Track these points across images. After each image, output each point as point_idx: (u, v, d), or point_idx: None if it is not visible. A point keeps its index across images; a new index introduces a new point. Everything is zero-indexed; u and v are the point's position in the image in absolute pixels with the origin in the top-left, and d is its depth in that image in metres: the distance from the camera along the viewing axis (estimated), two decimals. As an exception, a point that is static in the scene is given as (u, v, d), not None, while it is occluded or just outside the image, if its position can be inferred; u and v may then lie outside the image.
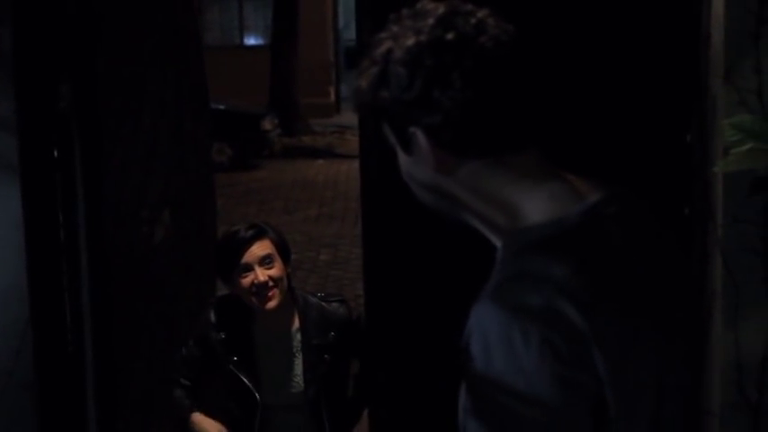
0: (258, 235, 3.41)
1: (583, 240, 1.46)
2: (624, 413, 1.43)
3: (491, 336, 1.40)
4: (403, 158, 1.57)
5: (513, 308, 1.40)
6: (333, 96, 22.32)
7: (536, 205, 1.50)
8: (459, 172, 1.52)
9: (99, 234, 3.60)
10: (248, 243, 3.38)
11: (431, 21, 1.49)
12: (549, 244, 1.45)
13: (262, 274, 3.35)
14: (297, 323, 3.47)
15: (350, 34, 22.82)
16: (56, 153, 3.42)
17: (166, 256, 4.64)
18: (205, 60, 5.25)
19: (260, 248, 3.39)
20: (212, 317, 3.47)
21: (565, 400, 1.38)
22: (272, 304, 3.37)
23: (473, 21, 1.49)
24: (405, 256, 3.32)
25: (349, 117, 19.27)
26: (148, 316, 4.50)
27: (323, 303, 3.53)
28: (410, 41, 1.48)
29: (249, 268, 3.36)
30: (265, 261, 3.38)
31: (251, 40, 22.42)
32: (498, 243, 1.54)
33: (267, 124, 16.30)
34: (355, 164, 3.60)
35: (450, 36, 1.47)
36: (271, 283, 3.37)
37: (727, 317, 2.97)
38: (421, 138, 1.50)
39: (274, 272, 3.38)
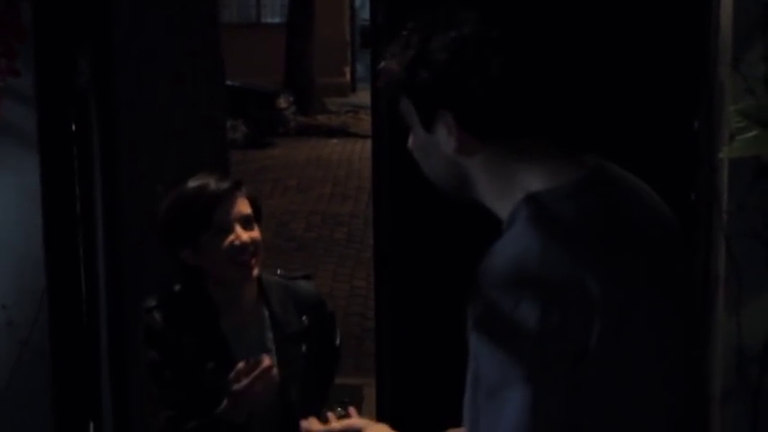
0: (236, 188, 2.75)
1: (580, 203, 1.56)
2: (612, 367, 1.50)
3: (492, 290, 1.52)
4: (420, 136, 1.68)
5: (514, 269, 1.52)
6: (348, 76, 22.33)
7: (539, 178, 1.61)
8: (479, 153, 1.63)
9: (114, 207, 3.65)
10: (226, 197, 2.71)
11: (473, 15, 1.62)
12: (550, 208, 1.56)
13: (245, 235, 2.71)
14: (264, 310, 2.81)
15: (366, 14, 22.79)
16: (74, 127, 3.48)
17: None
18: (221, 37, 5.30)
19: (241, 205, 2.74)
20: (159, 318, 2.73)
21: (541, 351, 1.47)
22: (255, 272, 2.74)
23: (511, 19, 1.63)
24: (416, 236, 3.37)
25: (364, 97, 19.25)
26: (157, 289, 4.55)
27: (288, 283, 2.89)
28: (454, 31, 1.60)
29: (226, 229, 2.69)
30: (246, 221, 2.74)
31: (267, 18, 22.42)
32: (504, 214, 1.64)
33: (282, 102, 16.35)
34: (369, 143, 3.58)
35: (492, 31, 1.60)
36: (252, 248, 2.72)
37: (729, 302, 3.02)
38: (449, 119, 1.61)
39: (256, 234, 2.74)
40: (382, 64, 1.68)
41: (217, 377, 2.63)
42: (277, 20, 21.62)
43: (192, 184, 2.74)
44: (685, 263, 1.78)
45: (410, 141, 1.72)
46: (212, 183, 2.72)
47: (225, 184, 2.71)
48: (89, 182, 3.55)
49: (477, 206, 1.71)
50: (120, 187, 3.73)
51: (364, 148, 13.75)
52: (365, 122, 16.33)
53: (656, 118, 3.20)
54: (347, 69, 22.36)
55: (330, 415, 2.29)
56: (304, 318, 2.82)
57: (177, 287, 2.79)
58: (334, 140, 16.10)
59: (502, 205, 1.65)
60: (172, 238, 2.74)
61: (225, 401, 2.56)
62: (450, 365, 2.29)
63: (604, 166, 1.64)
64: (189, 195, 2.73)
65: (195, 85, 4.94)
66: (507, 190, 1.63)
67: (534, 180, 1.61)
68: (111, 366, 3.67)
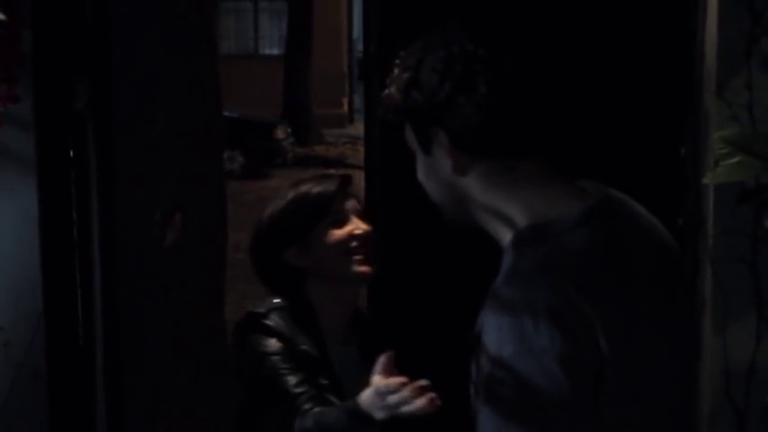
0: (346, 185, 2.65)
1: (586, 234, 1.60)
2: (625, 389, 1.56)
3: (504, 323, 1.55)
4: (422, 159, 1.72)
5: (524, 295, 1.55)
6: (346, 107, 22.43)
7: (542, 205, 1.64)
8: (473, 172, 1.67)
9: (111, 233, 3.69)
10: (340, 191, 2.62)
11: (462, 34, 1.66)
12: (556, 238, 1.59)
13: (364, 224, 2.59)
14: (351, 330, 2.71)
15: (364, 46, 22.86)
16: (71, 152, 3.52)
17: (176, 259, 4.72)
18: (220, 68, 5.33)
19: (353, 199, 2.66)
20: (273, 324, 2.57)
21: (569, 378, 1.51)
22: (372, 268, 2.61)
23: (499, 39, 1.67)
24: (410, 263, 3.40)
25: (361, 128, 19.16)
26: (155, 316, 4.57)
27: None
28: (442, 51, 1.64)
29: (343, 219, 2.58)
30: (360, 215, 2.64)
31: (266, 50, 22.54)
32: (505, 240, 1.67)
33: (280, 133, 16.43)
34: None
35: (479, 49, 1.64)
36: (369, 243, 2.59)
37: (715, 325, 3.06)
38: (443, 138, 1.66)
39: (371, 230, 2.62)
40: (385, 91, 1.72)
41: (326, 392, 2.52)
42: (275, 51, 21.74)
43: (295, 190, 2.64)
44: (684, 287, 1.82)
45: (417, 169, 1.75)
46: (314, 186, 2.63)
47: (334, 185, 2.62)
48: (86, 206, 3.58)
49: (472, 234, 1.75)
50: (117, 212, 3.77)
51: (361, 179, 13.71)
52: (362, 153, 16.30)
53: (643, 144, 3.26)
54: (345, 101, 22.46)
55: None
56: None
57: (277, 301, 2.65)
58: (332, 171, 16.11)
59: (500, 231, 1.68)
60: (281, 234, 2.60)
61: (369, 394, 2.35)
62: (445, 390, 2.33)
63: (607, 196, 1.68)
64: (301, 192, 2.62)
65: (193, 113, 4.97)
66: (504, 216, 1.66)
67: (532, 209, 1.64)
68: (107, 389, 3.69)
